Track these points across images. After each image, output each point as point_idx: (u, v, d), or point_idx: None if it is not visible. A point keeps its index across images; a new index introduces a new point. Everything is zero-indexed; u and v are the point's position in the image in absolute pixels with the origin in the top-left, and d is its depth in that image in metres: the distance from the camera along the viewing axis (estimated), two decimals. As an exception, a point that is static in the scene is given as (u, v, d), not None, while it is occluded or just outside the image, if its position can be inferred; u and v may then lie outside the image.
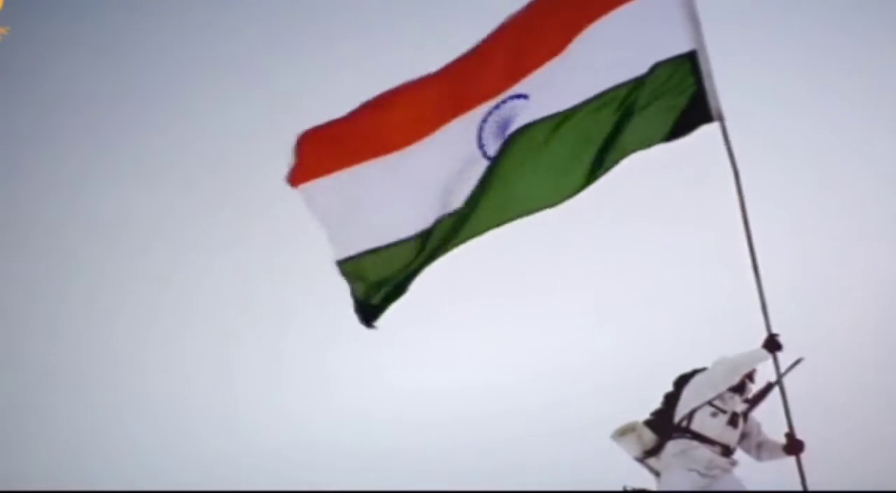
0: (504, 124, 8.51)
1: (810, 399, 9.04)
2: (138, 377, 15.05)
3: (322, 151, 8.56)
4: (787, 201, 13.95)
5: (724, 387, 8.76)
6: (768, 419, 8.80)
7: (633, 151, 8.53)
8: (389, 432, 13.83)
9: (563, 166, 8.50)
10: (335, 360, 14.53)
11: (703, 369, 8.91)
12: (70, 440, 14.71)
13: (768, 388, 8.80)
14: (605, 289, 14.25)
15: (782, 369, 8.59)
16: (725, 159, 8.50)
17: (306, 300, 14.65)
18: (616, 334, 13.83)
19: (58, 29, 15.92)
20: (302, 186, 8.56)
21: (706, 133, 8.54)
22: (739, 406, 8.83)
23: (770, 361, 8.61)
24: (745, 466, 8.87)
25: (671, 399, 8.90)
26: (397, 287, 8.50)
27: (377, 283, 8.49)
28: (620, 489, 8.87)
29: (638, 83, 8.43)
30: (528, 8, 8.55)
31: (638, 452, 8.92)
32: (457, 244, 8.49)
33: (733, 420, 8.78)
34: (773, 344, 8.55)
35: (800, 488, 8.50)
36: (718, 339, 9.76)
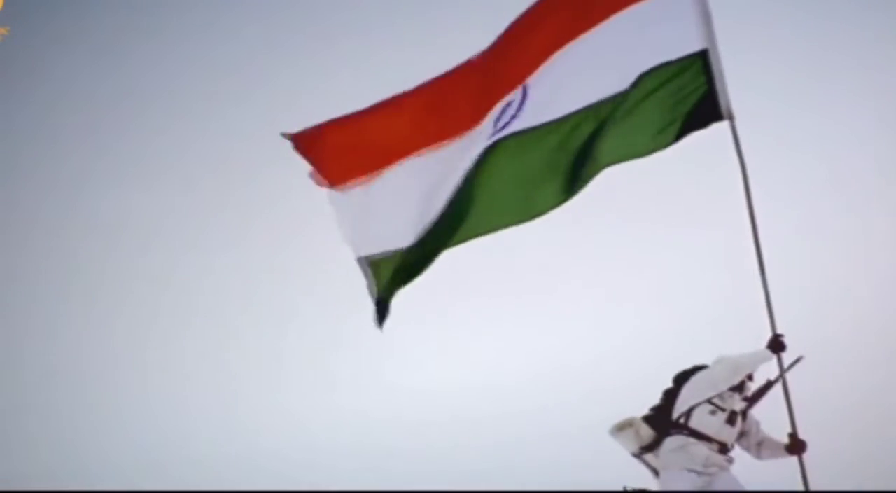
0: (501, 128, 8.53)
1: (814, 399, 9.02)
2: (138, 377, 15.05)
3: (349, 151, 8.56)
4: (796, 201, 13.94)
5: (725, 387, 8.76)
6: (772, 419, 8.79)
7: (643, 151, 8.48)
8: (389, 432, 13.82)
9: (555, 172, 8.49)
10: (335, 360, 14.54)
11: (704, 367, 8.91)
12: (70, 440, 14.71)
13: (767, 386, 8.79)
14: (610, 288, 14.26)
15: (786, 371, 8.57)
16: (731, 158, 8.47)
17: (306, 300, 14.66)
18: (620, 333, 13.82)
19: (58, 29, 15.92)
20: (334, 190, 8.56)
21: (709, 132, 8.52)
22: (738, 405, 8.82)
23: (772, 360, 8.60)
24: (747, 466, 8.87)
25: (670, 396, 8.90)
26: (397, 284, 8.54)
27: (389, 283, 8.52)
28: (620, 489, 8.86)
29: (641, 81, 8.42)
30: (534, 9, 8.54)
31: (635, 447, 8.91)
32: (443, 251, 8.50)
33: (732, 418, 8.77)
34: (777, 345, 8.53)
35: (802, 488, 8.49)
36: (723, 339, 9.74)
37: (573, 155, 8.42)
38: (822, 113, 14.61)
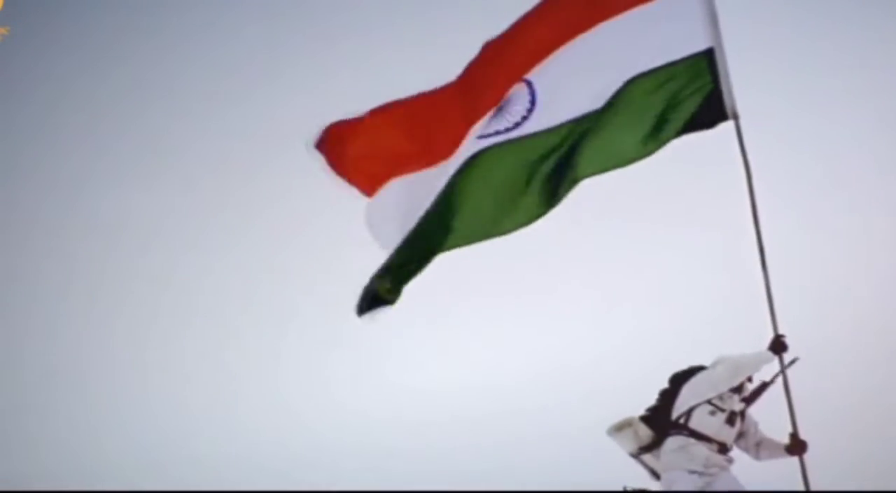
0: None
1: (814, 399, 9.02)
2: (138, 377, 15.04)
3: (377, 154, 8.58)
4: (796, 201, 13.93)
5: (725, 388, 8.75)
6: (772, 419, 8.78)
7: (648, 150, 8.44)
8: (389, 432, 13.82)
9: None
10: (335, 360, 14.53)
11: (702, 367, 8.91)
12: (70, 440, 14.70)
13: (763, 387, 8.79)
14: (610, 288, 14.24)
15: (787, 371, 8.56)
16: (730, 158, 8.45)
17: (306, 300, 14.65)
18: (620, 333, 13.81)
19: (58, 29, 15.92)
20: (371, 198, 8.59)
21: (709, 132, 8.50)
22: (737, 405, 8.82)
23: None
24: (747, 466, 8.86)
25: (668, 396, 8.89)
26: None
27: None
28: (620, 489, 8.86)
29: (635, 82, 8.40)
30: (539, 9, 8.53)
31: (633, 447, 8.91)
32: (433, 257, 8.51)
33: (731, 419, 8.77)
34: (779, 346, 8.53)
35: (802, 488, 8.49)
36: (724, 339, 9.73)
37: (552, 167, 8.38)
38: (823, 113, 14.60)
